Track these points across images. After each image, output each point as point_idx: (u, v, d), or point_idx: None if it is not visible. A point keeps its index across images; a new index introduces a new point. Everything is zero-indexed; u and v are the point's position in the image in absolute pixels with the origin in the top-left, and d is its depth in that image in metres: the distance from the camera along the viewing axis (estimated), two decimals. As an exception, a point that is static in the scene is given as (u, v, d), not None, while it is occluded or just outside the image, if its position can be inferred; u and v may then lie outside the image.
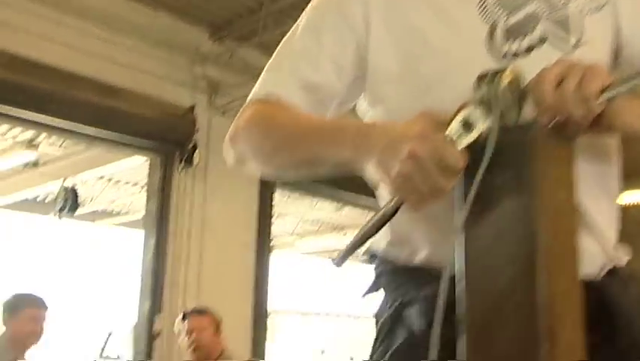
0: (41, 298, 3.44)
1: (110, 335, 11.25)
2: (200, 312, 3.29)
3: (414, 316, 1.09)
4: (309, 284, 22.10)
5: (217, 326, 3.31)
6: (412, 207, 0.91)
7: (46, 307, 3.43)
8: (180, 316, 3.25)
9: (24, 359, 3.36)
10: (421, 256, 1.14)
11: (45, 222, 15.01)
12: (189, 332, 3.23)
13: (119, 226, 13.45)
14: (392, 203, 0.95)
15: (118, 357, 10.82)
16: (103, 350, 11.18)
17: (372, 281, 1.20)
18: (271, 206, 6.57)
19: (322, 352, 13.88)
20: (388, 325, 1.15)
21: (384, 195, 1.13)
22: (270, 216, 6.58)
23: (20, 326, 3.26)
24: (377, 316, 1.18)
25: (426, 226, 1.11)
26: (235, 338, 6.10)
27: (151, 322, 5.49)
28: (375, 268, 1.19)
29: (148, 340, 5.47)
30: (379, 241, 1.18)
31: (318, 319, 22.61)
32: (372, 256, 1.20)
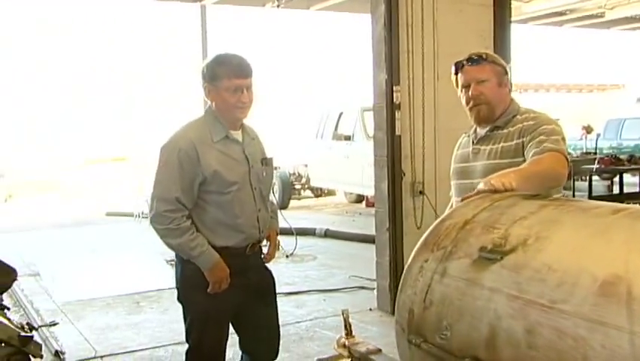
0: (244, 63, 2.77)
1: (341, 114, 11.52)
2: (477, 61, 2.61)
3: None
4: (537, 54, 20.70)
5: (501, 77, 2.65)
6: None
7: (248, 75, 2.76)
8: (453, 68, 2.69)
9: (238, 131, 2.85)
10: None
11: (262, 13, 15.23)
12: (465, 87, 2.64)
13: (336, 9, 13.12)
14: None
15: (351, 137, 11.10)
16: (336, 128, 11.53)
17: None
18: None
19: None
20: None
21: None
22: (509, -31, 5.77)
23: (223, 98, 2.73)
24: None
25: None
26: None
27: (390, 94, 5.27)
28: None
29: (389, 112, 5.28)
30: None
31: (548, 90, 21.40)
32: None
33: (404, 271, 1.82)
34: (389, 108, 5.27)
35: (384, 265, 5.45)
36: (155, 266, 7.42)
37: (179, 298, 2.92)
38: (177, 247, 2.76)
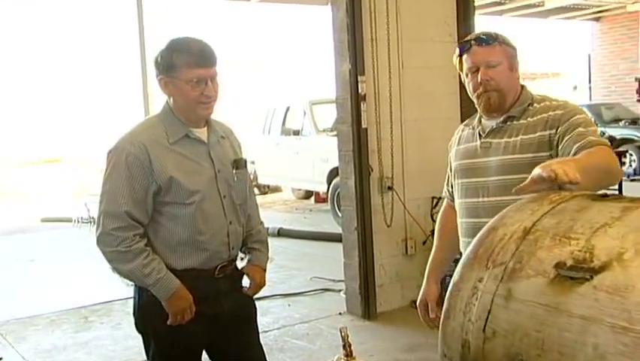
0: (207, 50, 2.32)
1: (288, 108, 11.13)
2: (487, 41, 2.25)
3: None
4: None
5: (512, 60, 2.32)
6: None
7: (212, 63, 2.32)
8: (456, 51, 2.35)
9: (202, 128, 2.40)
10: None
11: (204, 6, 14.70)
12: (472, 71, 2.30)
13: (278, 1, 12.79)
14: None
15: (300, 131, 10.75)
16: (284, 123, 11.15)
17: None
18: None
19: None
20: None
21: None
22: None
23: (183, 92, 2.29)
24: None
25: None
26: (444, 101, 5.47)
27: (355, 85, 4.95)
28: None
29: (354, 104, 4.97)
30: None
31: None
32: None
33: (448, 293, 1.50)
34: (354, 100, 4.96)
35: (353, 266, 5.14)
36: (102, 275, 6.89)
37: (138, 329, 2.47)
38: (128, 273, 2.30)
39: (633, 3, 16.01)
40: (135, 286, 2.42)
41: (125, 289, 6.32)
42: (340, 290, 5.70)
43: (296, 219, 10.60)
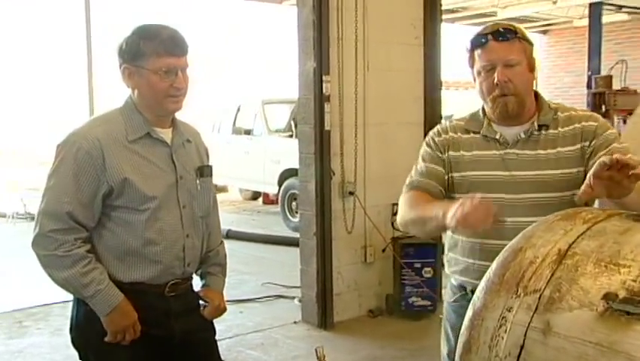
0: (177, 37, 2.09)
1: (238, 108, 10.84)
2: (505, 35, 1.99)
3: None
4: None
5: (531, 58, 2.03)
6: None
7: (184, 52, 2.09)
8: (469, 44, 2.10)
9: (167, 129, 2.16)
10: None
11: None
12: (486, 70, 2.02)
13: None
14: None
15: (251, 131, 10.48)
16: (234, 123, 10.85)
17: None
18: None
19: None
20: None
21: None
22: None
23: (150, 83, 2.06)
24: None
25: None
26: (408, 105, 5.33)
27: (319, 85, 4.75)
28: None
29: (317, 105, 4.77)
30: None
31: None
32: None
33: (468, 321, 1.32)
34: (317, 100, 4.76)
35: (310, 273, 4.94)
36: (39, 276, 6.48)
37: (74, 346, 2.20)
38: (64, 282, 2.02)
39: (580, 18, 16.37)
40: (74, 297, 2.14)
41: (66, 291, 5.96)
42: (294, 297, 5.49)
43: (244, 221, 10.32)
